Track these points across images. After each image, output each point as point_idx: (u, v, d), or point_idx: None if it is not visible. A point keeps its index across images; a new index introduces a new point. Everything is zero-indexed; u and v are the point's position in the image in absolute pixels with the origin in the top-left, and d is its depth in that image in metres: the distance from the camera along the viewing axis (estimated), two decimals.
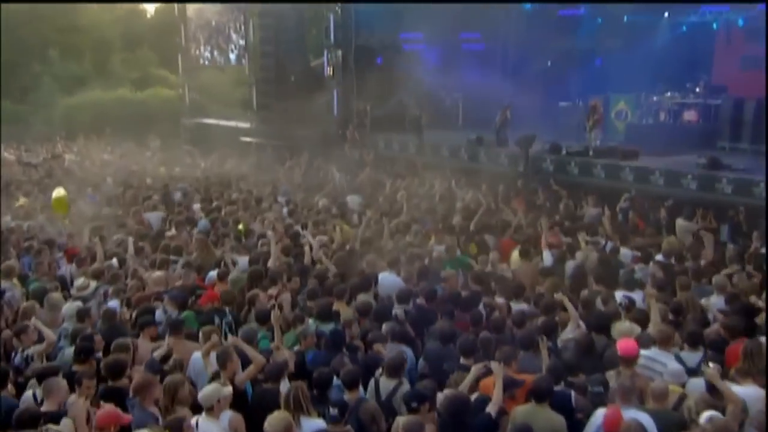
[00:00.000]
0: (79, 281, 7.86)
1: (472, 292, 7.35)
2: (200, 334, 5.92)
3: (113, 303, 7.25)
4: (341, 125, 18.74)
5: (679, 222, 9.99)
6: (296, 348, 5.98)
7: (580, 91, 16.72)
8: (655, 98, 15.55)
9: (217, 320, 6.52)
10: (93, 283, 7.87)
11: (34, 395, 5.10)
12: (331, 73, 18.91)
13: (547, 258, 8.32)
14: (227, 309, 6.80)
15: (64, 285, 8.15)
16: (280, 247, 8.53)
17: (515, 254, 8.69)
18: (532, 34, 18.23)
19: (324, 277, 7.68)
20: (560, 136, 15.36)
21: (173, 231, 9.97)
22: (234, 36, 23.49)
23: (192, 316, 6.80)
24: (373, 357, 5.69)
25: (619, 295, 6.95)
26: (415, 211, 11.27)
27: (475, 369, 5.02)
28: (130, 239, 9.13)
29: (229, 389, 4.77)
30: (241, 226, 10.11)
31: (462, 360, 5.62)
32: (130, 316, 6.94)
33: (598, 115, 14.00)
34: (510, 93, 16.37)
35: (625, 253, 8.90)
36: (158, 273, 7.73)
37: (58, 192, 10.12)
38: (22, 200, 11.92)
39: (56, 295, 7.16)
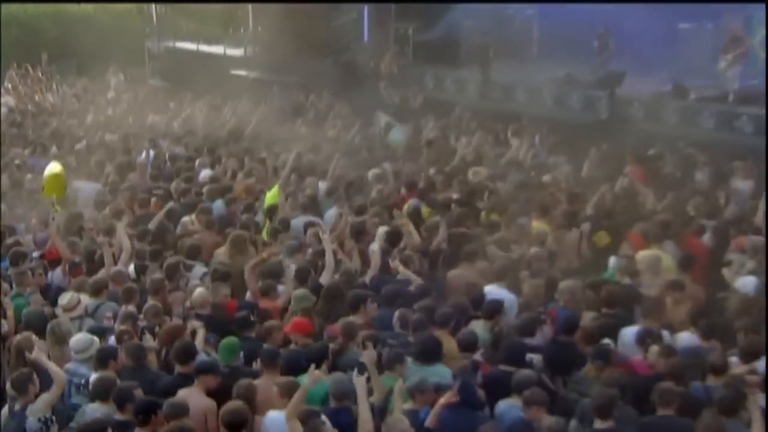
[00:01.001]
0: (66, 297, 7.75)
1: (609, 316, 7.25)
2: (276, 388, 5.87)
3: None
4: (374, 55, 18.45)
5: None
6: (407, 406, 5.91)
7: (707, 8, 16.24)
8: None
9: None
10: (86, 300, 7.80)
11: None
12: None
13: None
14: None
15: (55, 299, 8.01)
16: (352, 250, 8.38)
17: (650, 257, 8.46)
18: None
19: (409, 297, 7.56)
20: (681, 72, 15.08)
21: (195, 224, 9.83)
22: None
23: (234, 345, 6.77)
24: (523, 422, 5.63)
25: None
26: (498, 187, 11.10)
27: None
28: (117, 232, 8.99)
29: None
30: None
31: (598, 424, 5.56)
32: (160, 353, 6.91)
33: (742, 47, 13.61)
34: (607, 10, 16.00)
35: None
36: (201, 290, 7.65)
37: (53, 168, 9.94)
38: None
39: (65, 322, 7.12)
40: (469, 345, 6.71)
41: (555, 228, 9.17)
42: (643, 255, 8.23)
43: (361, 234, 9.20)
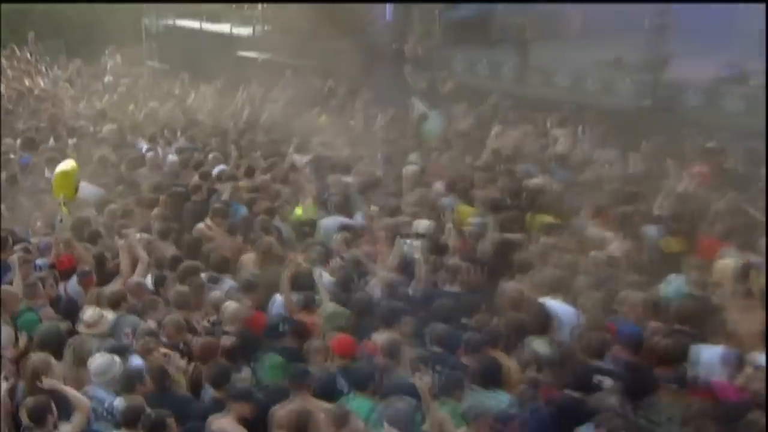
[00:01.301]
0: (88, 312, 7.75)
1: (682, 333, 7.20)
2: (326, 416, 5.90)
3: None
4: (397, 36, 18.37)
5: None
6: None
7: None
8: None
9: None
10: (109, 315, 7.82)
11: None
12: None
13: None
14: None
15: (70, 314, 8.05)
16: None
17: (729, 266, 8.37)
18: None
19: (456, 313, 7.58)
20: (740, 54, 14.96)
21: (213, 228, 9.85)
22: None
23: (282, 363, 6.83)
24: None
25: None
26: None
27: None
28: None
29: None
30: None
31: None
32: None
33: None
34: None
35: None
36: (232, 303, 7.68)
37: (65, 165, 9.93)
38: None
39: (87, 340, 7.14)
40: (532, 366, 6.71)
41: (615, 233, 9.10)
42: (722, 264, 8.17)
43: (396, 237, 9.19)
